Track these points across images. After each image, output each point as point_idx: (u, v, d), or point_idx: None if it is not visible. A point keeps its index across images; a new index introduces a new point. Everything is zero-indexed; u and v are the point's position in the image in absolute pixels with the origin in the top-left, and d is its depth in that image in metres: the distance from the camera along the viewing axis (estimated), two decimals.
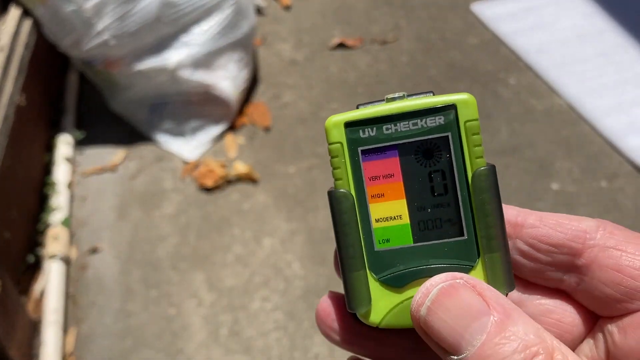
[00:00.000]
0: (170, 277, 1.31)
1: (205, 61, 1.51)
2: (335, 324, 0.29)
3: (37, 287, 1.28)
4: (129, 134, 1.61)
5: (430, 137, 0.27)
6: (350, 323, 0.28)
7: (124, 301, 1.28)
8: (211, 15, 1.49)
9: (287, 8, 2.01)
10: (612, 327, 0.25)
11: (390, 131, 0.27)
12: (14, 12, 1.45)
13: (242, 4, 1.54)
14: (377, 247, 0.27)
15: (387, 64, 1.76)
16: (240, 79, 1.59)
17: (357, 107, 0.28)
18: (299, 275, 1.28)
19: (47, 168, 1.51)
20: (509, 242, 0.26)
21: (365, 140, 0.27)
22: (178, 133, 1.59)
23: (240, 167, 1.48)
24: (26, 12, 1.47)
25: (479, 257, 0.26)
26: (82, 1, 1.37)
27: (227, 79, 1.55)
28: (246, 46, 1.60)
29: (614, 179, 1.39)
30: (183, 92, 1.55)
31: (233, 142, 1.57)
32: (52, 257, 1.30)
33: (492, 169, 0.26)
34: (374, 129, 0.27)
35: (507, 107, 1.58)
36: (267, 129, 1.60)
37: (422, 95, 0.27)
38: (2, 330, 1.05)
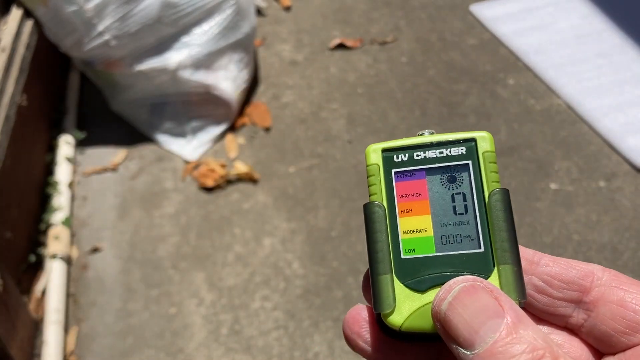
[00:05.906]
0: (171, 277, 1.31)
1: (205, 61, 1.51)
2: (362, 330, 0.31)
3: (38, 287, 1.28)
4: (130, 134, 1.62)
5: (453, 163, 0.32)
6: (377, 332, 0.31)
7: (125, 300, 1.28)
8: (212, 15, 1.50)
9: (287, 9, 2.01)
10: None
11: (420, 157, 0.32)
12: (15, 13, 1.46)
13: (242, 4, 1.55)
14: (404, 255, 0.30)
15: (387, 64, 1.77)
16: (240, 79, 1.60)
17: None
18: (299, 274, 1.28)
19: (48, 168, 1.52)
20: (525, 277, 0.30)
21: (399, 164, 0.32)
22: (178, 133, 1.59)
23: (240, 167, 1.49)
24: (27, 13, 1.48)
25: (494, 268, 0.29)
26: (83, 2, 1.38)
27: (227, 80, 1.56)
28: (246, 47, 1.61)
29: (612, 178, 1.39)
30: (183, 93, 1.55)
31: (233, 142, 1.58)
32: (53, 256, 1.30)
33: (505, 191, 0.31)
34: (407, 155, 0.32)
35: (506, 107, 1.58)
36: (267, 129, 1.61)
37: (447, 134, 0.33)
38: (4, 330, 1.05)
